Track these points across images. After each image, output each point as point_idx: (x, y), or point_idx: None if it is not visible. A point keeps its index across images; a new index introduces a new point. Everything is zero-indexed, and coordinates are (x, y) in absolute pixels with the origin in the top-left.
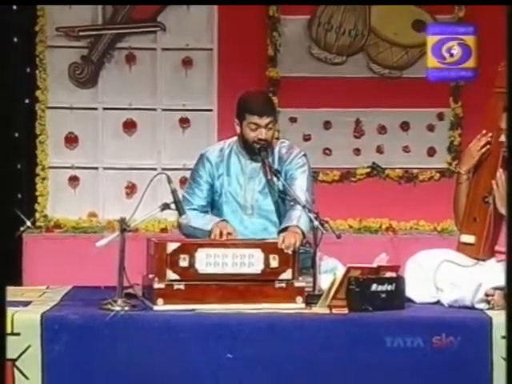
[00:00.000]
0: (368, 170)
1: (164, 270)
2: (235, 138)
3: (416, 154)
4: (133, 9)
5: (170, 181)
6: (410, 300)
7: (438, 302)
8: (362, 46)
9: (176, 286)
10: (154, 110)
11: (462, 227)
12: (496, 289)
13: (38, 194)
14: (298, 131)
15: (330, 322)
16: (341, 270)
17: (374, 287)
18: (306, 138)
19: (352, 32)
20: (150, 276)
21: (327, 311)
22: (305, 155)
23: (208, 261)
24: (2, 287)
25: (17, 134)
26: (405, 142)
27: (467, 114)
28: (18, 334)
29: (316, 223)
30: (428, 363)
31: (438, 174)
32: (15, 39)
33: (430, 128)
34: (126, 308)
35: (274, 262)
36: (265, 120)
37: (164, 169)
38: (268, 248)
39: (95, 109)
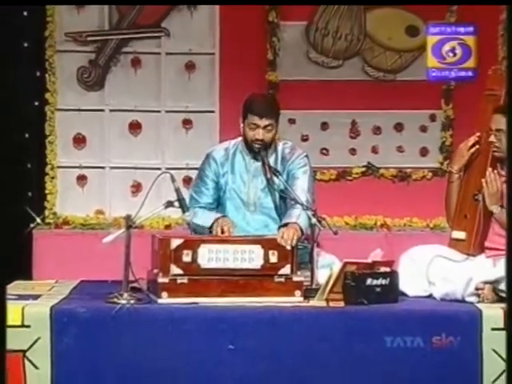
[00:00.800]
0: (363, 169)
1: (168, 265)
2: (240, 138)
3: (409, 153)
4: (138, 15)
5: (173, 180)
6: (403, 294)
7: (430, 296)
8: (358, 51)
9: (179, 281)
10: (159, 111)
11: (454, 224)
12: (486, 283)
13: (47, 192)
14: (297, 132)
15: (327, 315)
16: (337, 265)
17: (369, 281)
18: (304, 139)
19: (348, 37)
20: (155, 271)
21: (324, 304)
22: (307, 156)
23: (210, 256)
24: (2, 285)
25: (27, 135)
26: (398, 143)
27: (458, 116)
28: (28, 327)
29: (314, 220)
30: (421, 354)
31: (430, 173)
32: (25, 44)
33: (423, 129)
34: (132, 301)
35: (274, 258)
36: (264, 121)
37: (168, 168)
38: (268, 244)
39: (102, 110)
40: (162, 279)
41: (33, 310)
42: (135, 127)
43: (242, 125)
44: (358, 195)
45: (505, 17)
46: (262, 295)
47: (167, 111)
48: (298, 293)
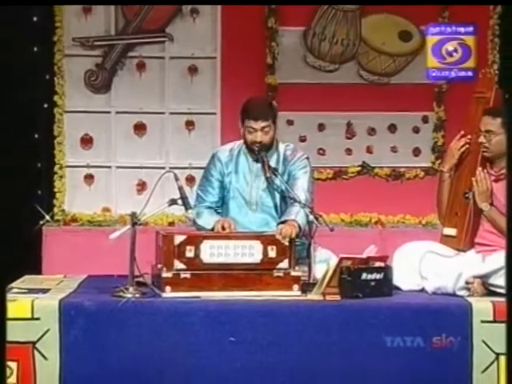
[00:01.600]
0: (359, 168)
1: (171, 260)
2: None
3: (402, 153)
4: (143, 20)
5: (176, 178)
6: (397, 288)
7: (422, 290)
8: (353, 55)
9: (182, 275)
10: (162, 113)
11: (445, 221)
12: (475, 277)
13: (56, 190)
14: (295, 133)
15: (324, 308)
16: (334, 261)
17: (364, 276)
18: (302, 139)
19: (344, 42)
20: (159, 266)
21: (321, 298)
22: (307, 158)
23: (212, 252)
24: (2, 285)
25: (37, 136)
26: (392, 143)
27: (449, 117)
28: (38, 319)
29: (311, 217)
30: (414, 347)
31: (422, 173)
32: (35, 49)
33: (416, 130)
34: (137, 295)
35: (272, 253)
36: (260, 124)
37: (171, 167)
38: (267, 240)
39: (108, 112)
40: (165, 274)
41: (42, 303)
42: (140, 128)
43: (241, 129)
44: (354, 193)
45: (494, 22)
46: (262, 289)
47: (171, 113)
48: (295, 287)
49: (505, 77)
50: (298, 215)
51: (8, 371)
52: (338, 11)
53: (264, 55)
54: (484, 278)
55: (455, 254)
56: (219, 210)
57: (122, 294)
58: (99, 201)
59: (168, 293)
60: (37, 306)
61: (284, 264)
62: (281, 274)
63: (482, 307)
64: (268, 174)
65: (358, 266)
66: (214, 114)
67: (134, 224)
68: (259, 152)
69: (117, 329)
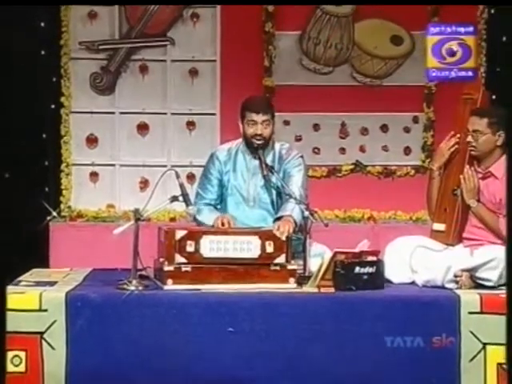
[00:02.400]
0: (352, 166)
1: (173, 255)
2: (241, 139)
3: (394, 152)
4: (146, 25)
5: (178, 176)
6: (388, 281)
7: (413, 283)
8: (347, 58)
9: (183, 269)
10: (164, 113)
11: (434, 217)
12: (464, 270)
13: (62, 187)
14: (291, 133)
15: (319, 300)
16: (328, 255)
17: (357, 269)
18: (298, 139)
19: (338, 46)
20: (161, 260)
21: (316, 290)
22: (302, 157)
23: (211, 246)
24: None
25: (44, 136)
26: (384, 142)
27: (439, 118)
28: (45, 311)
29: (306, 213)
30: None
31: (413, 171)
32: (42, 52)
33: (406, 130)
34: (140, 288)
35: (270, 248)
36: (261, 117)
37: (173, 166)
38: (264, 235)
39: (113, 113)
40: (167, 267)
41: (49, 295)
42: (143, 128)
43: (241, 125)
44: (347, 190)
45: (482, 27)
46: (259, 282)
47: (172, 113)
48: (291, 280)
49: (491, 79)
50: (293, 211)
51: (17, 360)
52: (332, 16)
53: (261, 58)
54: (472, 272)
55: (444, 248)
56: (218, 207)
57: (125, 286)
58: (104, 197)
59: (170, 285)
60: (44, 298)
61: (281, 258)
62: (277, 268)
63: (470, 299)
64: (265, 172)
65: (352, 259)
66: (214, 114)
67: (137, 220)
68: (258, 148)
69: (121, 320)
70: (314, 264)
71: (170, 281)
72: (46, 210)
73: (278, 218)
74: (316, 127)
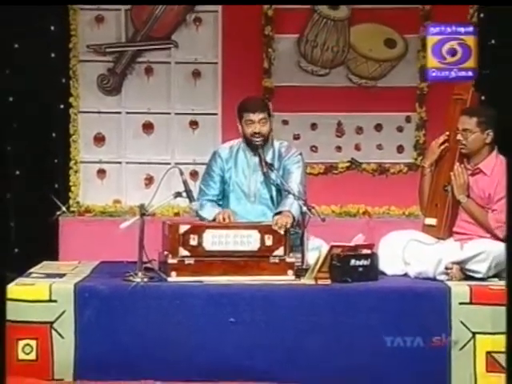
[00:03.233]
0: (347, 164)
1: (177, 248)
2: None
3: (387, 150)
4: (151, 29)
5: (181, 173)
6: (382, 273)
7: (405, 275)
8: (343, 60)
9: (187, 261)
10: (169, 113)
11: (426, 212)
12: (454, 263)
13: (71, 184)
14: (289, 132)
15: (316, 292)
16: (325, 248)
17: (352, 262)
18: (296, 137)
19: (334, 48)
20: (165, 253)
21: (313, 282)
22: (300, 154)
23: (214, 240)
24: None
25: (54, 134)
26: (378, 141)
27: (430, 118)
28: (55, 301)
29: (304, 208)
30: (397, 327)
31: (405, 168)
32: (52, 55)
33: (399, 129)
34: (145, 279)
35: (269, 241)
36: (258, 116)
37: (177, 163)
38: (264, 229)
39: (119, 113)
40: (171, 260)
41: (59, 286)
42: (148, 127)
43: (239, 125)
44: (343, 187)
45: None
46: (259, 274)
47: (176, 113)
48: (290, 272)
49: (480, 80)
50: (292, 206)
51: (28, 349)
52: (328, 20)
53: (261, 60)
54: (462, 264)
55: (435, 241)
56: (220, 203)
57: (131, 278)
58: (111, 193)
59: (173, 277)
60: (54, 290)
61: (279, 251)
62: (276, 261)
63: (460, 290)
64: (265, 169)
65: (347, 253)
66: (216, 114)
67: (142, 215)
68: (258, 146)
69: (127, 310)
70: (311, 257)
71: (173, 273)
72: (56, 205)
73: (278, 213)
74: (313, 126)
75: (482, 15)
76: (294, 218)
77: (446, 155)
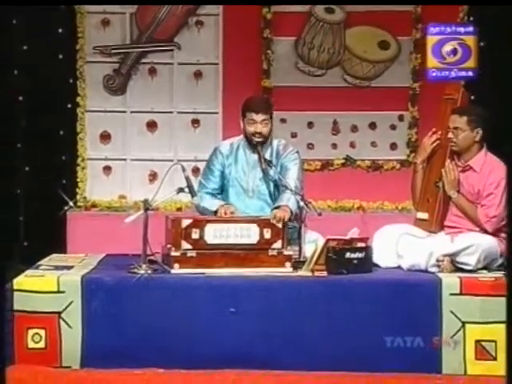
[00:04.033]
0: (343, 161)
1: (179, 241)
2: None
3: (381, 148)
4: (155, 31)
5: (184, 169)
6: (376, 265)
7: (398, 267)
8: (338, 62)
9: (189, 254)
10: (171, 112)
11: (418, 206)
12: (445, 256)
13: (78, 180)
14: (287, 130)
15: (313, 283)
16: (321, 241)
17: (347, 255)
18: (293, 135)
19: (330, 50)
20: (168, 246)
21: (310, 274)
22: (297, 152)
23: (215, 234)
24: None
25: (62, 132)
26: (372, 139)
27: (422, 116)
28: (63, 292)
29: (301, 203)
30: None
31: (398, 165)
32: (60, 56)
33: (393, 127)
34: (149, 271)
35: (268, 235)
36: (260, 117)
37: (179, 160)
38: (262, 223)
39: (124, 112)
40: (174, 253)
41: (67, 278)
42: (152, 126)
43: (241, 123)
44: (339, 183)
45: None
46: (258, 266)
47: (178, 112)
48: (288, 264)
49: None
50: (289, 201)
51: (37, 337)
52: (325, 24)
53: (260, 61)
54: (452, 256)
55: (427, 235)
56: (219, 197)
57: (136, 270)
58: (116, 189)
59: (176, 269)
60: (62, 281)
61: (278, 244)
62: (275, 253)
63: (451, 282)
64: (263, 166)
65: (343, 246)
66: (217, 113)
67: (146, 209)
68: (257, 144)
69: (131, 300)
70: (308, 250)
71: (176, 265)
72: (64, 200)
73: (276, 208)
74: (310, 125)
75: (471, 18)
76: (291, 212)
77: (438, 152)
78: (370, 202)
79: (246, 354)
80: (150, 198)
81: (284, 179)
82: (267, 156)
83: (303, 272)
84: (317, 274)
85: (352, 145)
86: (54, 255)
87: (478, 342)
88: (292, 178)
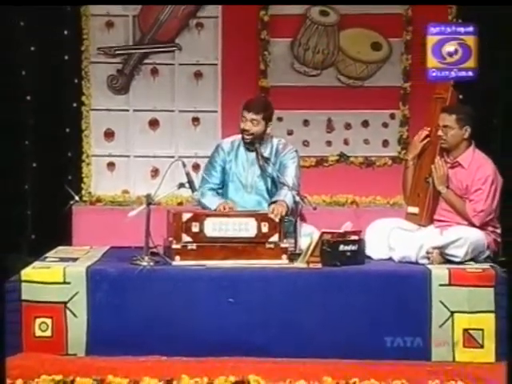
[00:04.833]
0: (337, 157)
1: (180, 234)
2: None
3: (374, 145)
4: (156, 33)
5: (184, 166)
6: (369, 257)
7: (390, 259)
8: (333, 62)
9: (189, 247)
10: (173, 111)
11: (409, 201)
12: (434, 248)
13: (83, 176)
14: (284, 127)
15: (308, 274)
16: (316, 234)
17: (341, 247)
18: (289, 133)
19: (325, 51)
20: (169, 239)
21: (305, 266)
22: (296, 151)
23: (214, 227)
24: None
25: (67, 130)
26: (365, 136)
27: (413, 115)
28: (68, 283)
29: (297, 198)
30: (383, 308)
31: (390, 161)
32: (66, 57)
33: (385, 125)
34: (151, 263)
35: (265, 228)
36: (250, 115)
37: (180, 156)
38: (260, 217)
39: (127, 110)
40: (175, 246)
41: (72, 269)
42: (154, 124)
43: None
44: (333, 178)
45: None
46: (256, 258)
47: (179, 111)
48: (284, 256)
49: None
50: (286, 196)
51: (44, 326)
52: (319, 26)
53: (258, 62)
54: (441, 249)
55: (417, 228)
56: (220, 191)
57: (138, 262)
58: (120, 184)
59: (177, 261)
60: (68, 272)
61: (275, 238)
62: (272, 246)
63: (440, 273)
64: (261, 163)
65: (337, 239)
66: (216, 111)
67: (148, 204)
68: (247, 140)
69: (134, 291)
70: (303, 243)
71: (177, 257)
72: (70, 195)
73: (273, 202)
74: (306, 123)
75: (460, 20)
76: (288, 206)
77: (428, 149)
78: (363, 196)
79: (245, 341)
80: (153, 193)
81: (282, 176)
82: (267, 154)
83: (299, 264)
84: (312, 265)
85: (346, 142)
86: (60, 248)
87: (465, 330)
88: (290, 175)
